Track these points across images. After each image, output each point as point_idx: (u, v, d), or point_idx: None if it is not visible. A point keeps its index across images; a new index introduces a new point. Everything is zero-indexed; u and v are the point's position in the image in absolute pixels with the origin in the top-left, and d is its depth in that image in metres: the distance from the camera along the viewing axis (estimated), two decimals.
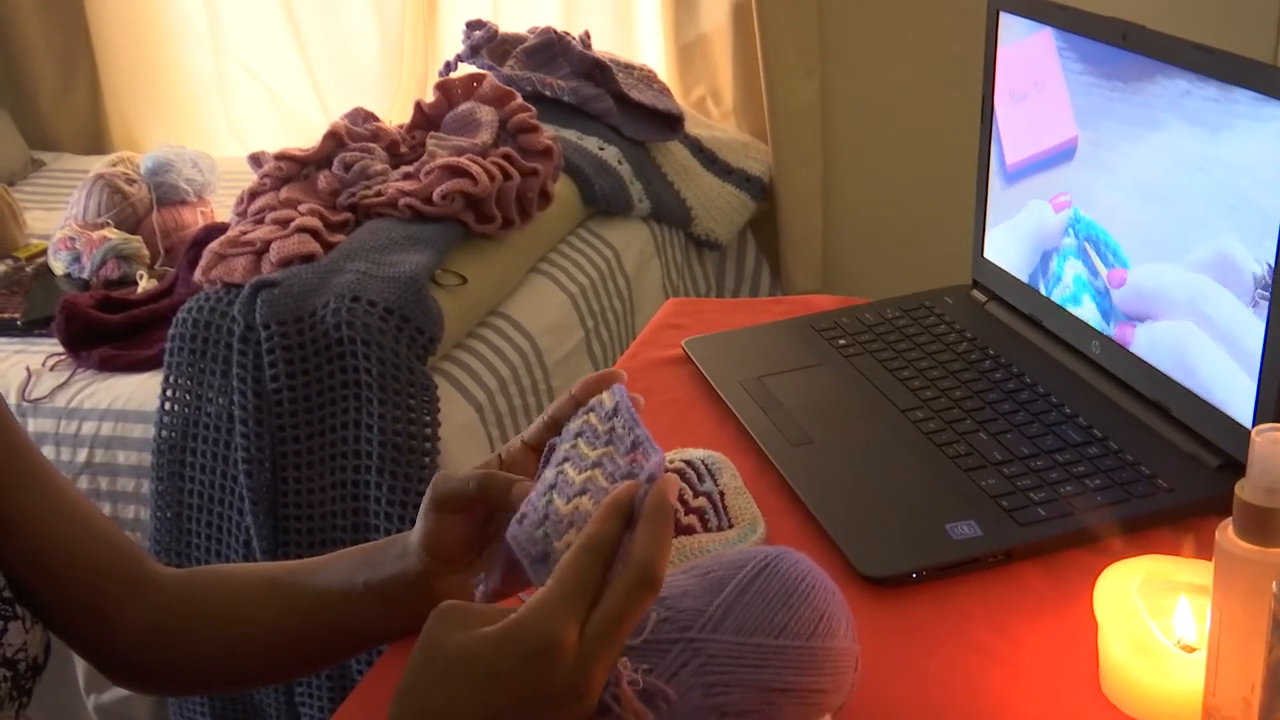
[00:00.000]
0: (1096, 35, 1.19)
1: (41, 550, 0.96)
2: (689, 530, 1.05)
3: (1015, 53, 1.33)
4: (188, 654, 1.01)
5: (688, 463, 1.12)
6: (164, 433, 1.96)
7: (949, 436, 1.16)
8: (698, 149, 2.79)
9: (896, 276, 2.97)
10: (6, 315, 2.36)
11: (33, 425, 2.06)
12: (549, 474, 0.81)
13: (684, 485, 1.08)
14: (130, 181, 2.57)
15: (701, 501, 1.07)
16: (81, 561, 0.98)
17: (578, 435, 0.83)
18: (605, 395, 0.86)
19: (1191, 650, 0.85)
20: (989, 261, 1.41)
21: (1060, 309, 1.29)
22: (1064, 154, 1.26)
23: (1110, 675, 0.86)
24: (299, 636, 1.00)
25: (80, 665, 2.13)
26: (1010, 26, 1.33)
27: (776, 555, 0.80)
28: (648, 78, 2.79)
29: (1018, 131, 1.35)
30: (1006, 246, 1.38)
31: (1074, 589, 0.97)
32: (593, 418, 0.84)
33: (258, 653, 1.01)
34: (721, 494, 1.09)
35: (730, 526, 1.07)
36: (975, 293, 1.43)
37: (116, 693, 2.10)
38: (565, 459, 0.81)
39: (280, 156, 2.16)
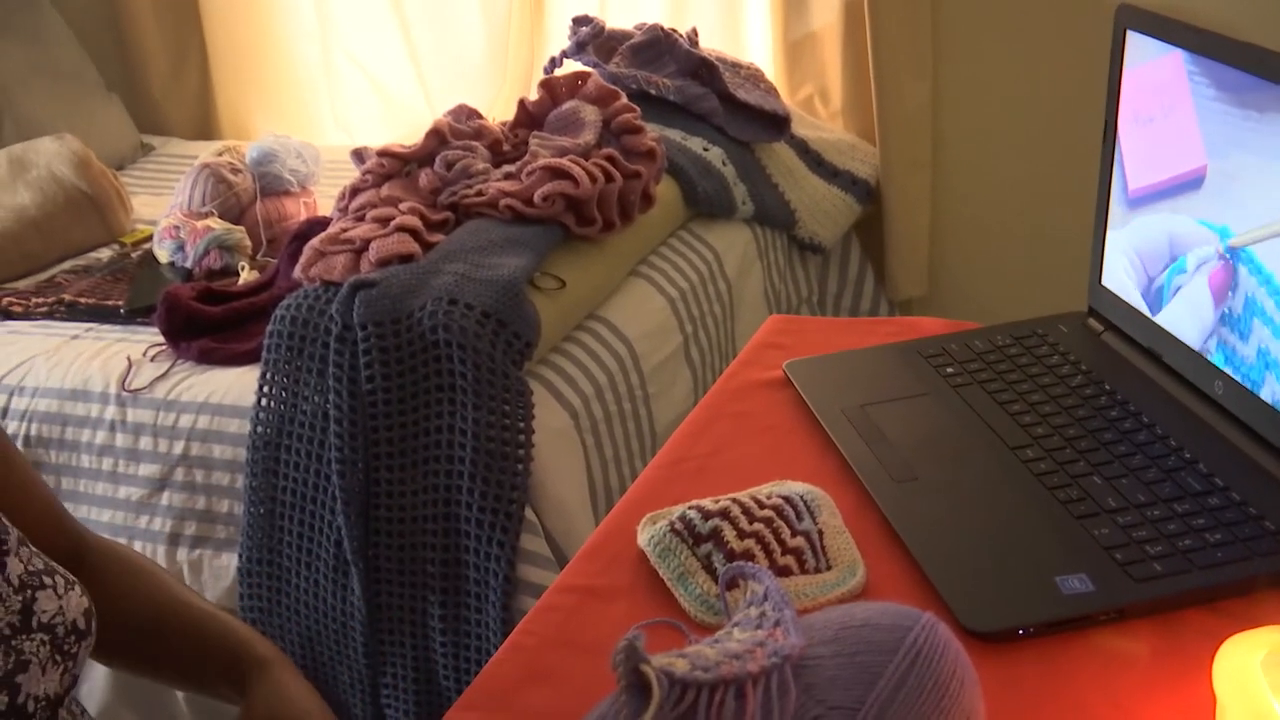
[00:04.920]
0: (1231, 61, 1.13)
1: None
2: (785, 571, 1.02)
3: (1142, 73, 1.27)
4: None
5: (785, 499, 1.08)
6: (259, 429, 1.96)
7: (1061, 479, 1.11)
8: (804, 150, 2.74)
9: (1005, 287, 2.91)
10: (111, 303, 2.38)
11: (131, 415, 2.07)
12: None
13: (781, 524, 1.05)
14: (235, 171, 2.58)
15: (799, 541, 1.04)
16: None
17: (734, 625, 0.82)
18: (754, 584, 0.84)
19: None
20: (1106, 289, 1.35)
21: (1181, 343, 1.23)
22: (1191, 183, 1.20)
23: None
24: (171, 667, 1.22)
25: None
26: (1138, 46, 1.27)
27: (926, 641, 0.77)
28: (755, 76, 2.74)
29: (1142, 156, 1.29)
30: (1126, 274, 1.32)
31: (1190, 654, 0.92)
32: (752, 610, 0.83)
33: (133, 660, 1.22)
34: (820, 533, 1.06)
35: (829, 568, 1.03)
36: (1091, 321, 1.38)
37: None
38: (716, 641, 0.79)
39: (383, 153, 2.15)
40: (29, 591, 1.00)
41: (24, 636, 0.98)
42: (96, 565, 1.20)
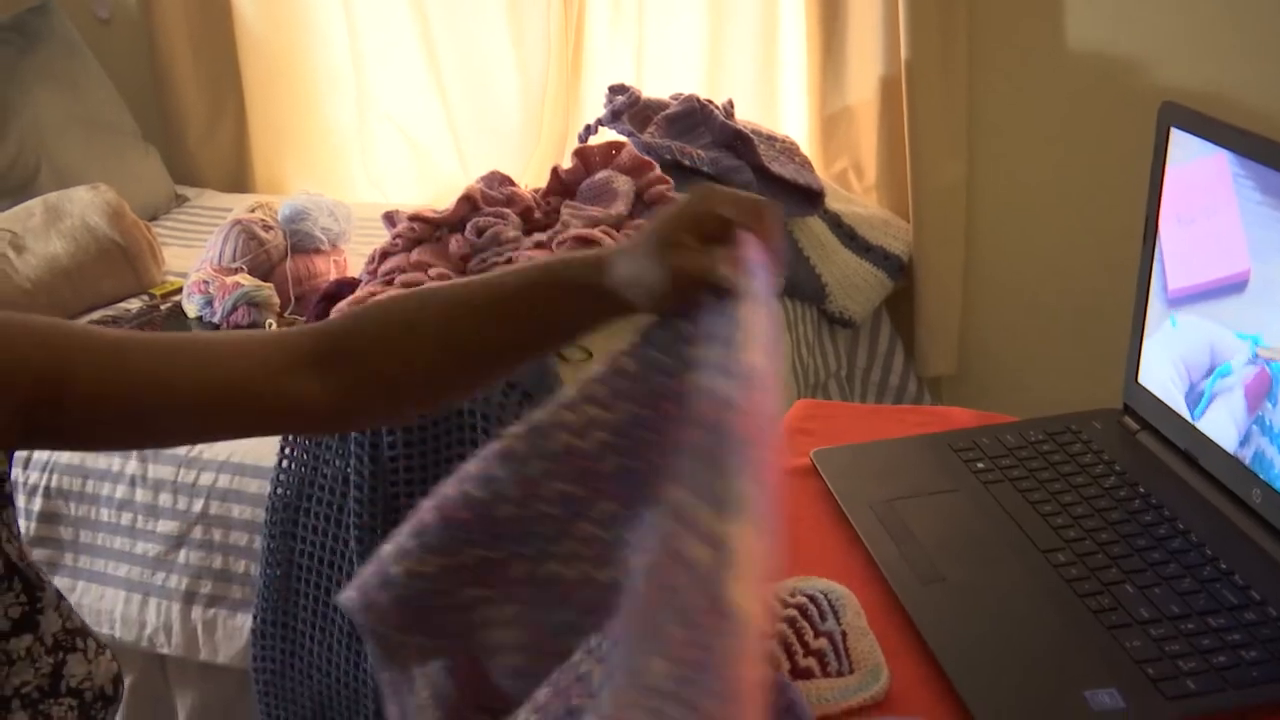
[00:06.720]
0: (1278, 165, 1.11)
1: None
2: (807, 674, 0.99)
3: (1186, 173, 1.25)
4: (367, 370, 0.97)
5: (810, 597, 1.06)
6: (279, 490, 1.94)
7: (1092, 586, 1.08)
8: (836, 224, 2.72)
9: (1036, 368, 2.88)
10: None
11: (152, 471, 2.06)
12: None
13: (804, 624, 1.02)
14: (267, 228, 2.58)
15: (822, 643, 1.01)
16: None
17: None
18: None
19: None
20: (1143, 388, 1.33)
21: (1219, 448, 1.20)
22: (1234, 286, 1.18)
23: None
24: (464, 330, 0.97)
25: (181, 710, 2.14)
26: (1182, 144, 1.25)
27: None
28: (790, 150, 2.73)
29: (1183, 256, 1.27)
30: (1164, 374, 1.30)
31: None
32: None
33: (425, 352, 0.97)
34: (844, 634, 1.03)
35: (851, 672, 1.00)
36: (1127, 419, 1.35)
37: None
38: None
39: (414, 218, 2.14)
40: (61, 654, 0.97)
41: (52, 700, 0.95)
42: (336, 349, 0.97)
